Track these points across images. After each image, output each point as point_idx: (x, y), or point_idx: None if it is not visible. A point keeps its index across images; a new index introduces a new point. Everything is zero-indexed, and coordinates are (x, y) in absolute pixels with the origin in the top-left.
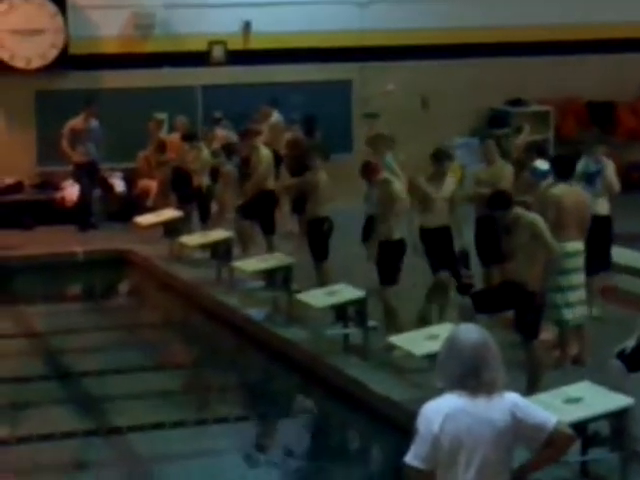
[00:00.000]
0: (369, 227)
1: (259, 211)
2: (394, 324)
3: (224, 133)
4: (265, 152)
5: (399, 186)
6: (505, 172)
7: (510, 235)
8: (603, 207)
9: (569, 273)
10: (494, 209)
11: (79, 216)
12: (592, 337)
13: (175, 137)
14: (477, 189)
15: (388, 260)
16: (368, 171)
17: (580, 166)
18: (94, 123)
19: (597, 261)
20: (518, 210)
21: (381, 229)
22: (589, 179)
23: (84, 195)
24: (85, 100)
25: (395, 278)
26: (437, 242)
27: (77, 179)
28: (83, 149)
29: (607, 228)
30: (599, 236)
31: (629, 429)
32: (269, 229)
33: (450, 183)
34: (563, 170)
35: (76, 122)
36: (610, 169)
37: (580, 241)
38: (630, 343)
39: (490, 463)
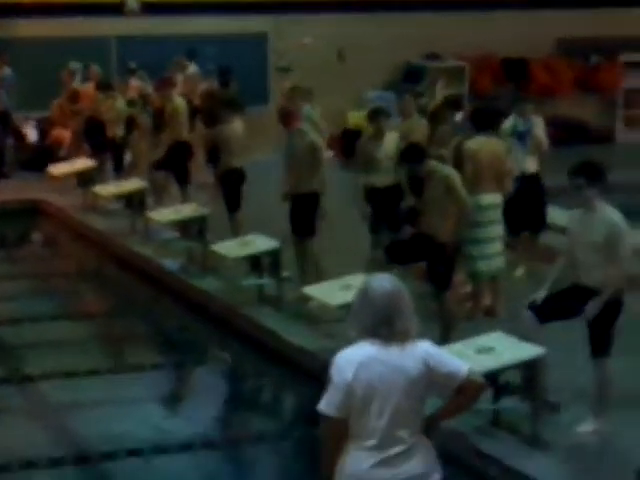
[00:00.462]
0: None
1: (174, 162)
2: (315, 275)
3: (139, 84)
4: (179, 103)
5: (316, 137)
6: (419, 126)
7: (424, 188)
8: (532, 165)
9: (485, 225)
10: (407, 162)
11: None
12: (508, 289)
13: (89, 87)
14: None
15: (306, 212)
16: (286, 117)
17: (509, 124)
18: (7, 71)
19: (528, 220)
20: (433, 163)
21: (295, 181)
22: (519, 137)
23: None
24: None
25: (314, 229)
26: (385, 201)
27: None
28: None
29: (537, 186)
30: (529, 194)
31: (540, 379)
32: (183, 180)
33: (391, 141)
34: (481, 123)
35: None
36: (539, 127)
37: (496, 193)
38: (541, 294)
39: (403, 411)
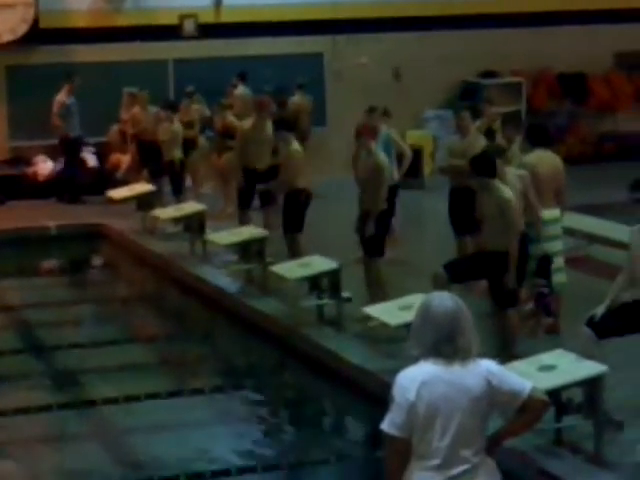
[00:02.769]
0: None
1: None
2: (380, 296)
3: (197, 106)
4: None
5: (384, 158)
6: (478, 144)
7: (481, 203)
8: None
9: (545, 241)
10: (480, 174)
11: (64, 189)
12: (566, 305)
13: (136, 110)
14: (451, 161)
15: (376, 231)
16: (366, 130)
17: None
18: (71, 99)
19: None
20: (495, 182)
21: (367, 201)
22: None
23: (70, 169)
24: (66, 74)
25: (383, 249)
26: None
27: (64, 153)
28: (68, 124)
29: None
30: None
31: (602, 396)
32: (245, 203)
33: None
34: (537, 138)
35: (60, 96)
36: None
37: (556, 208)
38: (600, 310)
39: (466, 430)
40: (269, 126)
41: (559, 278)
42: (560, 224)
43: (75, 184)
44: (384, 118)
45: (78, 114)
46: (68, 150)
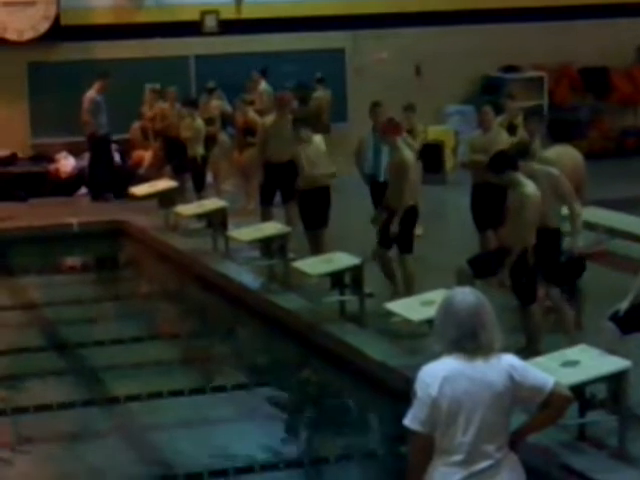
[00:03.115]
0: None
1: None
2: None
3: (218, 102)
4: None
5: (409, 153)
6: (501, 138)
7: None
8: None
9: (566, 236)
10: (494, 170)
11: (91, 186)
12: (588, 300)
13: (166, 108)
14: (473, 156)
15: (404, 227)
16: (390, 127)
17: None
18: (100, 96)
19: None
20: (516, 175)
21: (393, 197)
22: None
23: (97, 166)
24: (101, 72)
25: (412, 245)
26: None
27: (90, 150)
28: (97, 121)
29: None
30: None
31: (626, 392)
32: (267, 199)
33: None
34: (558, 134)
35: (91, 93)
36: None
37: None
38: (623, 305)
39: (488, 425)
40: (290, 122)
41: None
42: (581, 219)
43: (99, 181)
44: (408, 114)
45: (106, 112)
46: (95, 147)
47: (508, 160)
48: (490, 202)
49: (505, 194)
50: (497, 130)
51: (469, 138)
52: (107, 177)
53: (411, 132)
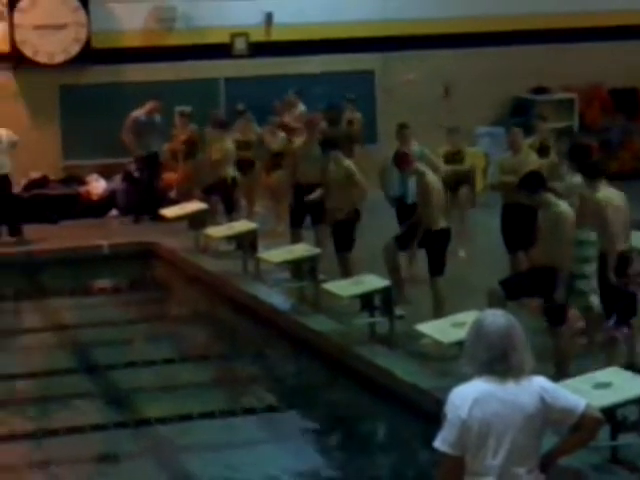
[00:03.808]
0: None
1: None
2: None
3: (248, 125)
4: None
5: (432, 177)
6: (530, 160)
7: (537, 219)
8: None
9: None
10: (525, 189)
11: (134, 209)
12: None
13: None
14: (502, 177)
15: (435, 250)
16: (401, 161)
17: None
18: (157, 117)
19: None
20: (548, 196)
21: (424, 219)
22: None
23: (139, 188)
24: (152, 96)
25: (443, 267)
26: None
27: (137, 171)
28: (143, 142)
29: None
30: None
31: None
32: (297, 221)
33: None
34: (580, 158)
35: (138, 113)
36: None
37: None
38: None
39: (519, 448)
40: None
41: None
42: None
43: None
44: (452, 136)
45: (158, 132)
46: (140, 169)
47: (541, 180)
48: (520, 223)
49: (535, 215)
50: (527, 152)
51: (499, 159)
52: (146, 199)
53: (458, 154)
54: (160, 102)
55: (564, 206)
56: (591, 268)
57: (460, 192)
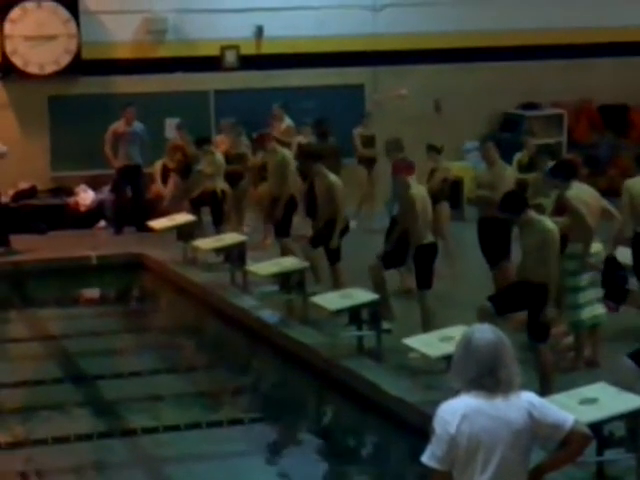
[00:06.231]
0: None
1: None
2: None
3: (239, 139)
4: (287, 154)
5: (417, 190)
6: (506, 174)
7: (520, 236)
8: None
9: (582, 273)
10: (507, 211)
11: (115, 219)
12: (604, 338)
13: (222, 138)
14: (478, 191)
15: (422, 264)
16: (403, 167)
17: None
18: (138, 126)
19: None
20: (532, 214)
21: (411, 234)
22: None
23: (121, 199)
24: (125, 103)
25: (430, 281)
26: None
27: (117, 183)
28: (123, 153)
29: None
30: None
31: None
32: (284, 232)
33: None
34: (570, 171)
35: (117, 126)
36: None
37: (597, 242)
38: None
39: (508, 463)
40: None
41: (598, 310)
42: (600, 257)
43: (124, 215)
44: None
45: (144, 142)
46: (122, 181)
47: (521, 200)
48: (497, 237)
49: (510, 228)
50: (502, 165)
51: (475, 174)
52: (130, 210)
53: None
54: (135, 108)
55: (548, 222)
56: (583, 281)
57: (437, 208)
